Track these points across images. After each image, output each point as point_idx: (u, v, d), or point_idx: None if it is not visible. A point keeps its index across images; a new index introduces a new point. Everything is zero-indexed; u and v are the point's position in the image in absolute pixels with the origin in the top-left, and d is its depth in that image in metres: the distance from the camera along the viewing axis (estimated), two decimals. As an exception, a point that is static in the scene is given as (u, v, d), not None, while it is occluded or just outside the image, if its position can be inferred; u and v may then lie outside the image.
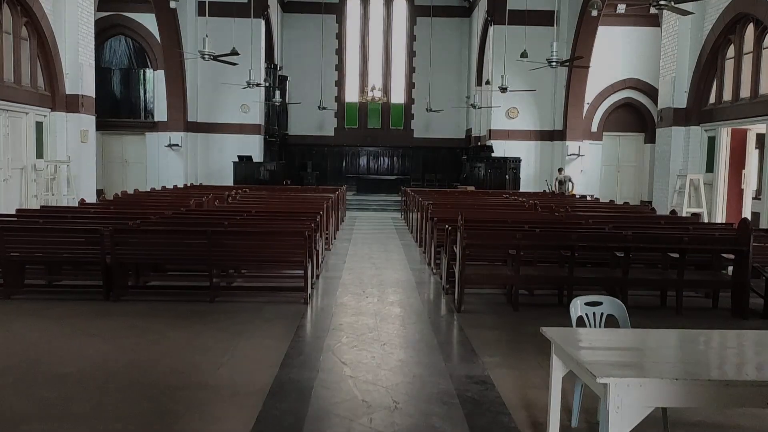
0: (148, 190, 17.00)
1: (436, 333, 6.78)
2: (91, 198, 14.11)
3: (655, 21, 21.80)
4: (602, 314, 4.32)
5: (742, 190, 13.38)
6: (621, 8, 22.10)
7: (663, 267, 8.31)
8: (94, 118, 14.72)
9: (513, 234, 7.87)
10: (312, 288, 8.74)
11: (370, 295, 8.61)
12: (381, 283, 9.57)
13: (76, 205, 11.89)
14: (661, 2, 7.88)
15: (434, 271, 10.51)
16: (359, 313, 7.56)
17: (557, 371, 3.66)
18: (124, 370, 5.39)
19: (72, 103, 13.81)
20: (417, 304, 8.15)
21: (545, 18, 22.62)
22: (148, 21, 21.63)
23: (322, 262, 10.95)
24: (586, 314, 4.31)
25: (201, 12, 21.42)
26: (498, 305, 8.16)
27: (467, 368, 5.58)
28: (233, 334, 6.54)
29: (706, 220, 12.80)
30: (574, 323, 4.27)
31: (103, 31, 22.10)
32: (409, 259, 12.13)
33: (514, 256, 7.80)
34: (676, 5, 8.23)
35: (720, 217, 13.33)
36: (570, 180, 20.64)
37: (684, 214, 13.08)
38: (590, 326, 4.28)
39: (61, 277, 8.68)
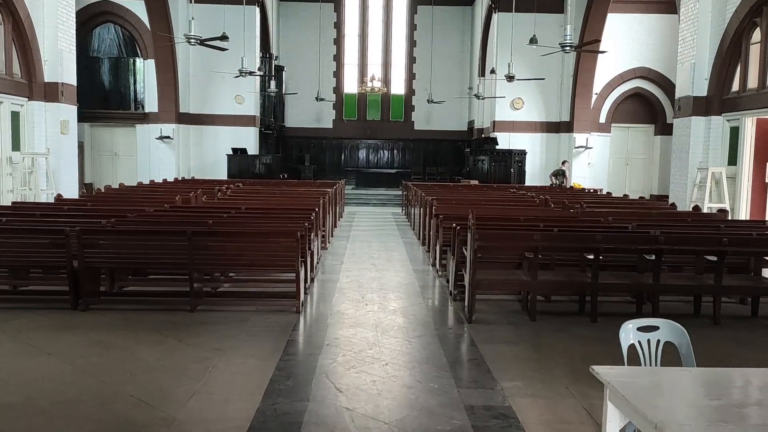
0: (142, 183, 16.12)
1: (445, 349, 5.93)
2: (73, 193, 13.26)
3: (666, 8, 20.91)
4: (659, 341, 3.47)
5: (767, 183, 12.52)
6: (631, -6, 21.18)
7: (697, 271, 7.45)
8: (75, 108, 13.83)
9: (530, 235, 7.02)
10: (306, 294, 7.90)
11: (370, 302, 7.77)
12: (382, 287, 8.72)
13: (53, 201, 11.03)
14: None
15: (439, 273, 9.67)
16: (358, 325, 6.72)
17: (613, 423, 2.82)
18: (79, 400, 4.55)
19: (51, 92, 12.92)
20: (422, 313, 7.31)
21: (552, 5, 21.78)
22: (138, 7, 20.70)
23: (317, 263, 10.12)
24: (639, 342, 3.46)
25: (194, -2, 20.53)
26: (512, 314, 7.32)
27: (484, 397, 4.74)
28: (213, 351, 5.70)
29: (731, 217, 11.95)
30: (625, 353, 3.43)
31: (91, 19, 21.23)
32: (412, 258, 11.29)
33: (531, 259, 6.95)
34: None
35: (744, 213, 12.48)
36: (563, 174, 19.68)
37: (706, 210, 12.23)
38: (645, 356, 3.43)
39: (28, 282, 7.83)
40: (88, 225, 7.35)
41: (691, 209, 11.41)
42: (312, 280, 8.86)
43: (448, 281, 8.64)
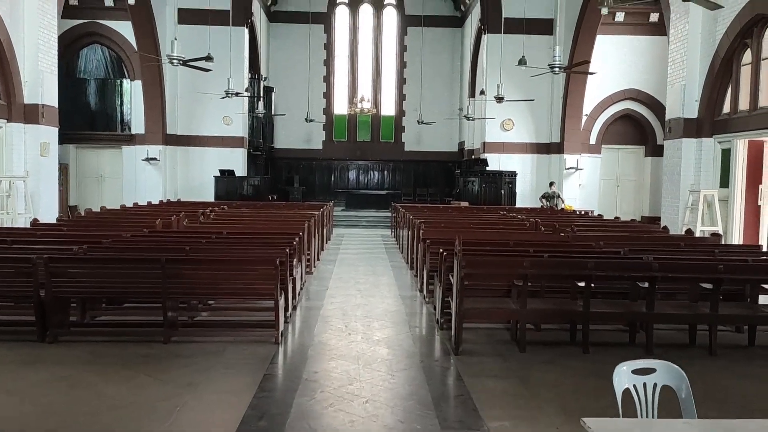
0: (125, 206, 15.80)
1: (431, 384, 5.63)
2: (52, 217, 12.91)
3: (655, 30, 20.91)
4: (656, 385, 3.20)
5: (759, 206, 12.35)
6: (619, 16, 21.17)
7: (692, 299, 7.21)
8: (56, 129, 13.53)
9: (519, 261, 6.76)
10: (286, 322, 7.59)
11: (354, 331, 7.47)
12: (367, 314, 8.42)
13: (29, 226, 10.70)
14: (690, -6, 6.83)
15: (427, 299, 9.39)
16: (339, 356, 6.42)
17: (606, 482, 2.54)
18: (33, 446, 4.23)
19: (31, 114, 12.62)
20: (407, 343, 7.01)
21: (542, 26, 21.74)
22: (125, 29, 20.51)
23: (301, 289, 9.81)
24: (635, 386, 3.19)
25: (181, 20, 20.40)
26: (501, 344, 7.03)
27: (470, 439, 4.44)
28: (184, 387, 5.38)
29: (724, 241, 11.74)
30: (619, 399, 3.16)
31: (78, 39, 21.03)
32: (399, 283, 11.01)
33: (521, 287, 6.68)
34: (706, -3, 7.21)
35: (737, 236, 12.28)
36: (558, 196, 19.52)
37: (698, 233, 12.02)
38: (641, 403, 3.16)
39: (-3, 311, 7.48)
40: (58, 252, 7.03)
41: (683, 233, 11.19)
42: (294, 307, 8.55)
43: (435, 308, 8.35)
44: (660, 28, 20.00)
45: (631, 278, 6.88)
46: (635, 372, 3.21)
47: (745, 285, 7.36)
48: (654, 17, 20.74)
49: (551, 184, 20.07)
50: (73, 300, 7.04)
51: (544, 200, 19.79)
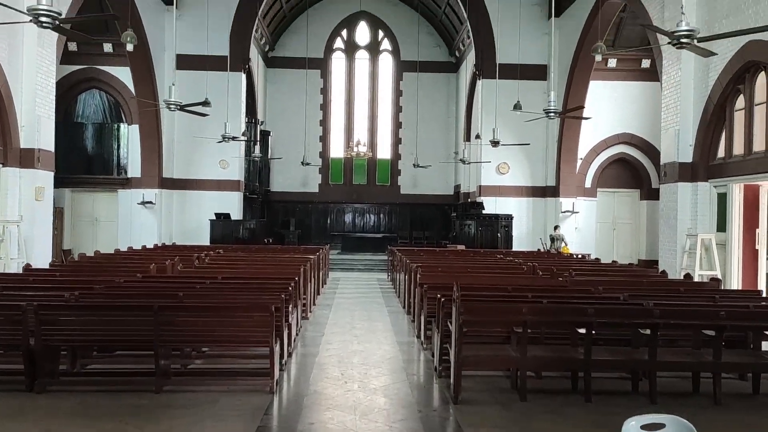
0: (119, 250, 15.67)
1: (429, 436, 5.47)
2: (45, 262, 12.78)
3: (646, 75, 21.24)
4: (665, 442, 3.08)
5: (757, 250, 12.31)
6: (612, 63, 21.51)
7: (694, 346, 7.09)
8: (52, 174, 13.51)
9: (518, 308, 6.66)
10: (281, 371, 7.43)
11: (350, 380, 7.30)
12: (364, 361, 8.26)
13: (21, 271, 10.56)
14: (683, 40, 6.90)
15: (424, 345, 9.24)
16: (335, 407, 6.25)
17: None
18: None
19: (27, 158, 12.61)
20: (405, 392, 6.84)
21: (536, 72, 22.10)
22: (124, 74, 20.72)
23: (297, 335, 9.65)
24: (644, 443, 3.07)
25: (179, 65, 20.62)
26: (501, 392, 6.87)
27: (471, 495, 4.28)
28: (175, 440, 5.21)
29: (723, 285, 11.66)
30: (627, 457, 3.04)
31: (77, 85, 21.23)
32: (396, 329, 10.85)
33: (520, 334, 6.57)
34: (699, 45, 7.29)
35: (736, 281, 12.20)
36: (563, 239, 19.62)
37: (697, 278, 11.95)
38: (650, 461, 3.04)
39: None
40: (49, 299, 6.91)
41: (682, 277, 11.12)
42: (290, 354, 8.39)
43: (433, 355, 8.20)
44: (651, 74, 20.31)
45: (632, 325, 6.77)
46: (644, 428, 3.09)
47: (747, 332, 7.26)
48: (645, 63, 21.07)
49: (556, 227, 20.19)
50: (63, 348, 6.88)
51: (549, 242, 19.90)
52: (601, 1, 17.81)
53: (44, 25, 7.68)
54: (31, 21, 7.72)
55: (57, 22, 7.83)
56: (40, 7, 7.49)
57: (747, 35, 9.81)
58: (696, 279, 11.61)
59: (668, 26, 13.21)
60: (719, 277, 11.90)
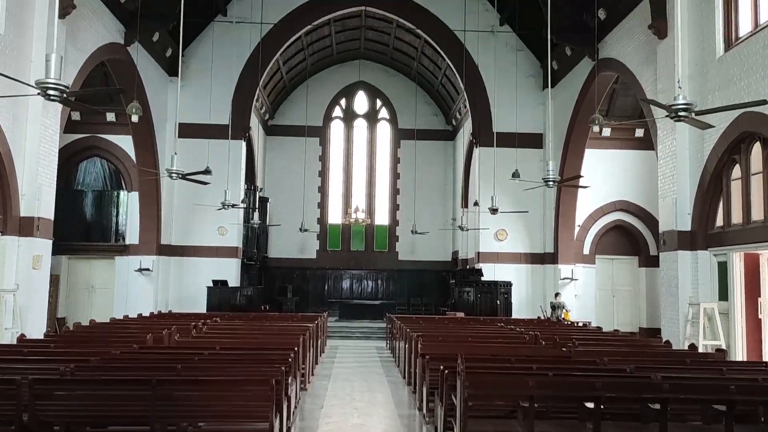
0: (115, 318, 15.47)
1: None
2: (40, 332, 12.58)
3: (640, 144, 21.60)
4: None
5: (760, 320, 12.20)
6: (606, 132, 21.87)
7: (705, 421, 6.92)
8: (50, 242, 13.47)
9: (524, 381, 6.52)
10: (281, 447, 7.20)
11: (352, 457, 7.07)
12: (364, 437, 8.03)
13: (15, 341, 10.38)
14: (681, 114, 7.03)
15: (427, 418, 9.01)
16: (337, 486, 6.02)
17: None
18: None
19: (26, 227, 12.59)
20: (409, 470, 6.62)
21: (531, 141, 22.49)
22: (125, 142, 20.97)
23: (295, 407, 9.41)
24: None
25: (181, 134, 20.92)
26: (508, 470, 6.64)
27: None
28: None
29: (728, 356, 11.49)
30: None
31: (78, 153, 21.45)
32: (397, 401, 10.61)
33: (527, 408, 6.41)
34: (696, 117, 7.42)
35: (740, 351, 12.05)
36: (564, 306, 19.50)
37: (701, 348, 11.79)
38: None
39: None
40: (44, 372, 6.75)
41: (686, 347, 10.97)
42: (288, 429, 8.16)
43: (436, 429, 7.98)
44: (646, 143, 20.69)
45: (641, 400, 6.62)
46: None
47: (758, 406, 7.09)
48: (639, 133, 21.44)
49: (557, 294, 20.10)
50: (56, 424, 6.67)
51: (549, 310, 19.77)
52: (594, 73, 18.26)
53: (52, 98, 7.80)
54: (38, 94, 7.84)
55: (64, 95, 7.95)
56: (49, 81, 7.61)
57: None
58: (700, 349, 11.46)
59: (662, 98, 13.53)
60: (723, 347, 11.75)
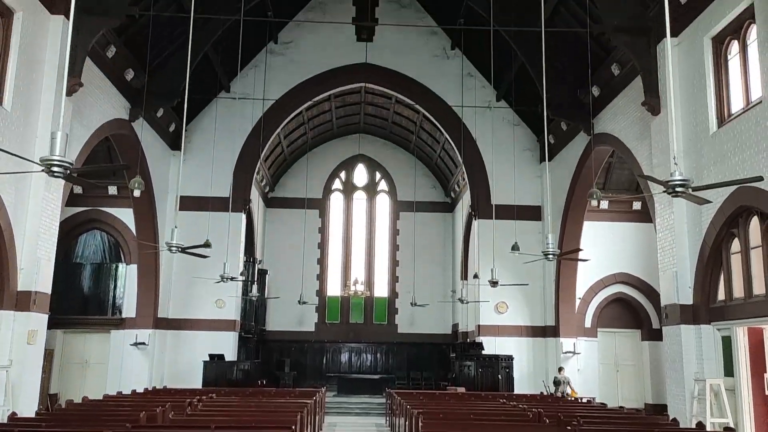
0: (108, 395, 15.12)
1: None
2: (32, 409, 12.28)
3: (638, 217, 21.73)
4: None
5: (767, 396, 11.95)
6: (604, 204, 22.02)
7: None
8: (46, 317, 13.34)
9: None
10: None
11: None
12: None
13: (6, 420, 10.11)
14: (678, 189, 7.11)
15: (428, 503, 8.66)
16: None
17: None
18: None
19: (23, 301, 12.49)
20: None
21: (531, 213, 22.67)
22: (126, 215, 21.08)
23: (292, 492, 9.06)
24: None
25: (182, 207, 21.04)
26: None
27: None
28: None
29: (736, 434, 11.20)
30: None
31: (79, 226, 21.52)
32: (398, 484, 10.23)
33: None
34: (693, 193, 7.49)
35: (749, 429, 11.73)
36: (568, 382, 19.14)
37: (709, 426, 11.49)
38: None
39: None
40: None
41: (694, 425, 10.70)
42: None
43: None
44: (644, 216, 20.83)
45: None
46: None
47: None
48: (637, 206, 21.60)
49: (560, 369, 19.75)
50: None
51: (553, 386, 19.37)
52: (590, 147, 18.57)
53: (56, 174, 7.88)
54: (42, 171, 7.92)
55: (68, 172, 8.04)
56: (53, 158, 7.71)
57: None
58: (708, 428, 11.16)
59: (657, 172, 13.74)
60: (732, 425, 11.47)
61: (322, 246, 30.61)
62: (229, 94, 23.37)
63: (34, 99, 13.03)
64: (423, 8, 24.27)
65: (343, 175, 31.50)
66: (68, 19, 12.99)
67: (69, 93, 13.57)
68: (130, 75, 17.74)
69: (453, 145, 23.99)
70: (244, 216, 23.33)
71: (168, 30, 18.37)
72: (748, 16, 11.83)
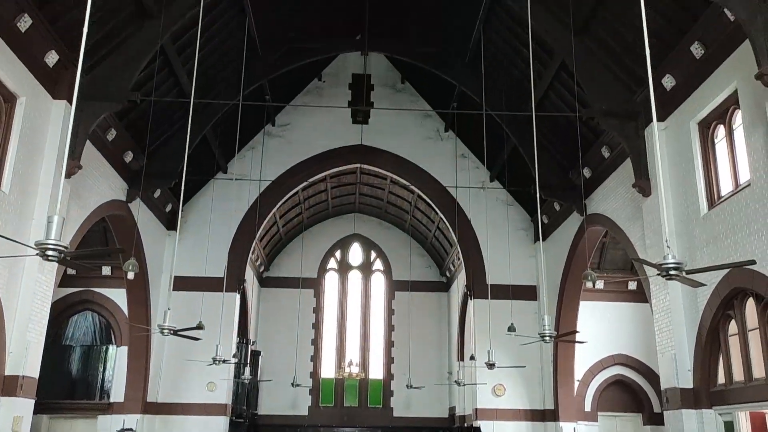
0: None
1: None
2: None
3: (634, 297, 21.62)
4: None
5: (776, 484, 11.59)
6: (600, 284, 21.96)
7: None
8: (32, 402, 12.97)
9: None
10: None
11: None
12: None
13: None
14: (672, 272, 7.13)
15: None
16: None
17: None
18: None
19: (10, 386, 12.17)
20: None
21: (526, 293, 22.51)
22: (118, 295, 20.89)
23: None
24: None
25: (176, 287, 20.89)
26: None
27: None
28: None
29: None
30: None
31: (70, 307, 21.27)
32: None
33: None
34: (687, 276, 7.49)
35: None
36: None
37: None
38: None
39: None
40: None
41: None
42: None
43: None
44: (640, 296, 20.74)
45: None
46: None
47: None
48: (632, 285, 21.54)
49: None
50: None
51: None
52: (584, 227, 18.70)
53: (50, 259, 7.84)
54: (37, 254, 7.90)
55: (63, 256, 8.01)
56: (48, 242, 7.68)
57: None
58: None
59: (651, 253, 13.80)
60: None
61: (317, 326, 30.24)
62: (226, 175, 23.62)
63: (33, 182, 13.15)
64: (417, 92, 24.94)
65: (338, 254, 31.50)
66: (71, 104, 13.25)
67: (68, 175, 13.73)
68: (129, 157, 18.00)
69: (448, 224, 24.13)
70: (238, 296, 23.12)
71: (168, 113, 18.79)
72: (732, 102, 12.17)
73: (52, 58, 13.33)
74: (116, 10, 14.48)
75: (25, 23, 12.22)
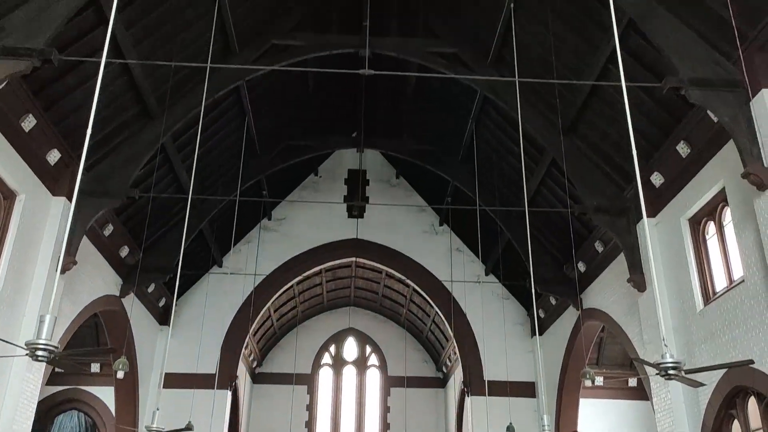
0: None
1: None
2: None
3: (635, 394, 21.14)
4: None
5: None
6: (599, 381, 21.54)
7: None
8: None
9: None
10: None
11: None
12: None
13: None
14: (671, 372, 7.03)
15: None
16: None
17: None
18: None
19: (-11, 491, 11.69)
20: None
21: (525, 389, 22.01)
22: (106, 393, 20.35)
23: None
24: None
25: (166, 384, 20.40)
26: None
27: None
28: None
29: None
30: None
31: (56, 407, 20.68)
32: None
33: None
34: (687, 376, 7.39)
35: None
36: None
37: None
38: None
39: None
40: None
41: None
42: None
43: None
44: (640, 392, 20.31)
45: None
46: None
47: None
48: (632, 382, 21.13)
49: None
50: None
51: None
52: (580, 322, 18.56)
53: (40, 359, 7.71)
54: (27, 355, 7.77)
55: (52, 356, 7.88)
56: (39, 342, 7.56)
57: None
58: None
59: (649, 349, 13.66)
60: None
61: (310, 425, 29.29)
62: (222, 269, 23.59)
63: (27, 277, 13.11)
64: (412, 187, 25.36)
65: (332, 349, 30.97)
66: (70, 200, 13.49)
67: (63, 271, 13.68)
68: (125, 252, 18.03)
69: (443, 318, 23.90)
70: (229, 393, 22.52)
71: (166, 209, 18.97)
72: (721, 199, 12.38)
73: (53, 156, 13.60)
74: (120, 110, 14.92)
75: (29, 123, 12.54)
